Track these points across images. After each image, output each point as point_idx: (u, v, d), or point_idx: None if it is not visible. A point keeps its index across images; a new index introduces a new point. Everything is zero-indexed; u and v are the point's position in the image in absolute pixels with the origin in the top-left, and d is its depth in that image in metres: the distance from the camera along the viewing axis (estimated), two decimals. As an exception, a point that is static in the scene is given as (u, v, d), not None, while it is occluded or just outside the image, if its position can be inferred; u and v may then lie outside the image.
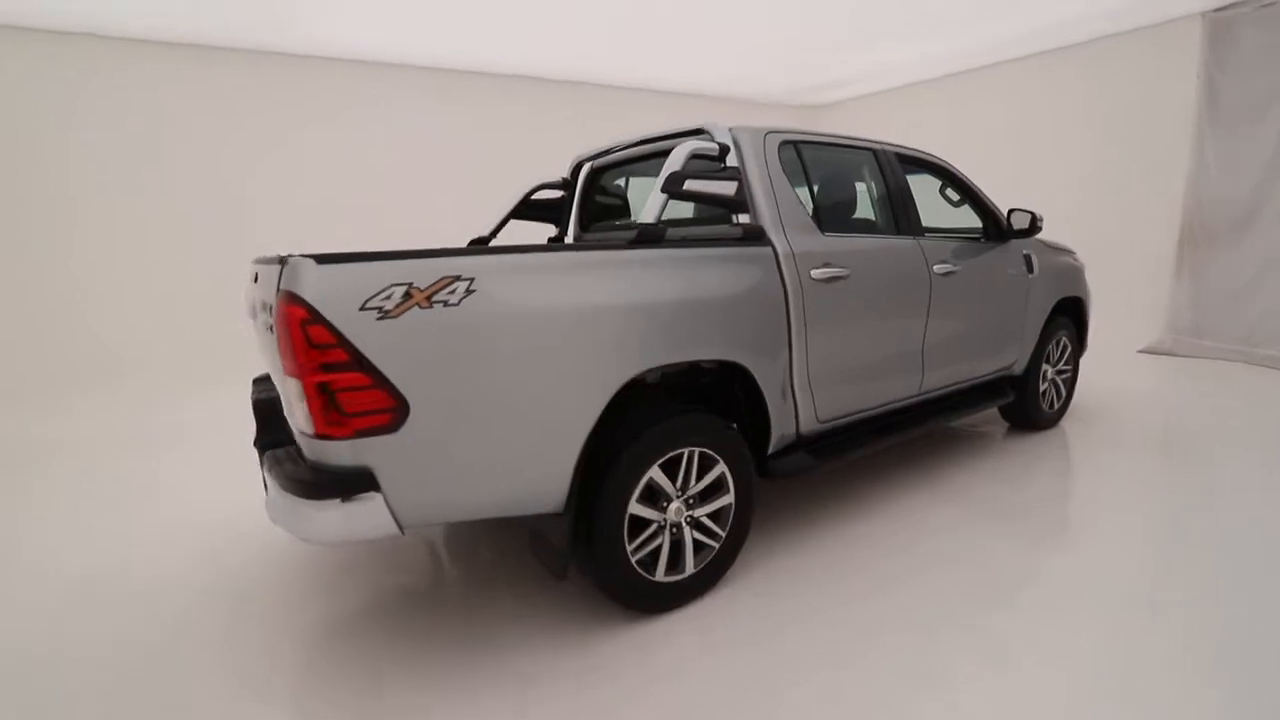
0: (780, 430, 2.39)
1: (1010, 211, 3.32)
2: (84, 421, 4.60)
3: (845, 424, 2.69)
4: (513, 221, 3.28)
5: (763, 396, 2.27)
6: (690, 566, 2.15)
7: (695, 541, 2.17)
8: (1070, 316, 3.95)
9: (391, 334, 1.53)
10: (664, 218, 2.26)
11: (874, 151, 2.89)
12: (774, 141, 2.48)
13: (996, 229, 3.35)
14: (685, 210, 2.94)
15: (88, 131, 5.63)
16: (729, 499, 2.22)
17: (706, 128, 2.42)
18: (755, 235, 2.29)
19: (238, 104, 6.24)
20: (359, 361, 1.49)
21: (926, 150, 3.22)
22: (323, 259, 1.49)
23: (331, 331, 1.46)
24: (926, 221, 3.55)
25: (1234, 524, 2.65)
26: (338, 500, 1.51)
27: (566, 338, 1.77)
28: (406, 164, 7.09)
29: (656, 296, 1.95)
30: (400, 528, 1.61)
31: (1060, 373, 3.91)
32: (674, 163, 2.15)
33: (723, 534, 2.22)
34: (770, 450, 2.40)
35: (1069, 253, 3.99)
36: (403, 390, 1.54)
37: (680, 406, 2.11)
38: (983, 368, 3.32)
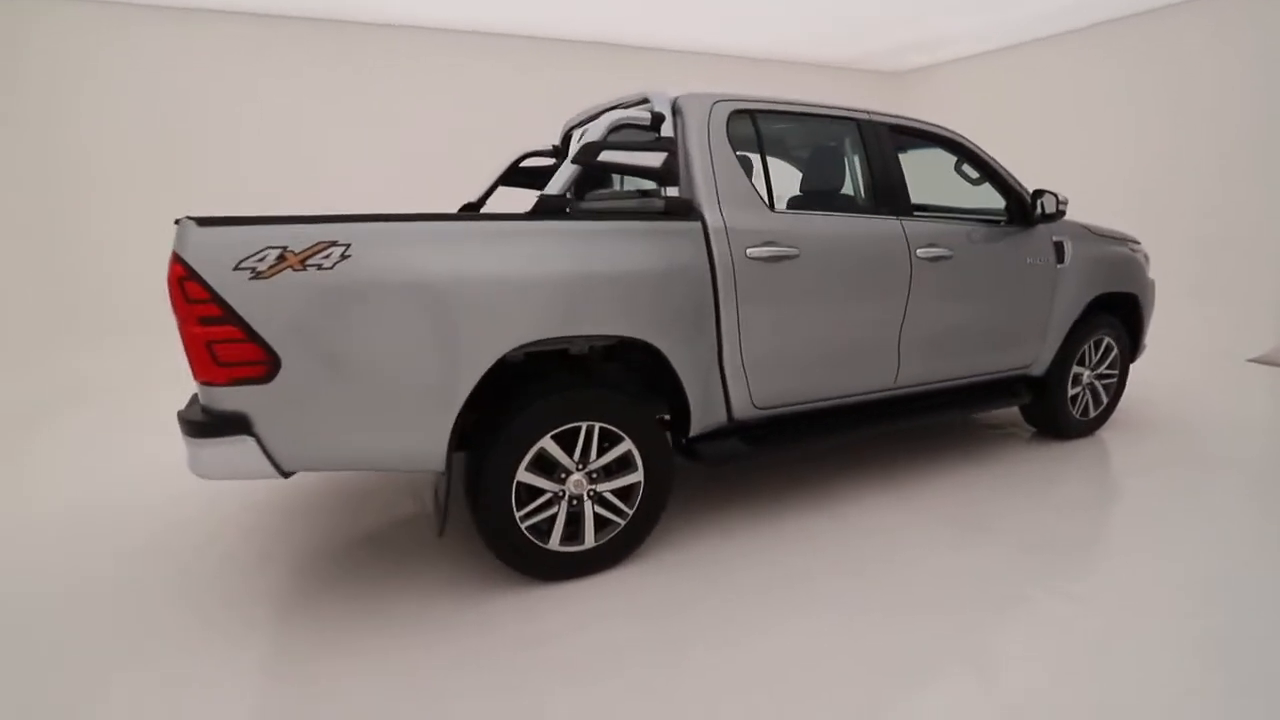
0: (704, 413, 2.32)
1: (1036, 193, 2.94)
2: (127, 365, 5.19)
3: (794, 413, 2.56)
4: (504, 188, 3.35)
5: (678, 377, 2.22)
6: (590, 539, 2.18)
7: (598, 516, 2.19)
8: (1121, 315, 3.46)
9: (264, 293, 1.66)
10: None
11: (857, 123, 2.65)
12: (723, 111, 2.35)
13: (1020, 212, 2.98)
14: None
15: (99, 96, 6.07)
16: (637, 477, 2.21)
17: (648, 95, 2.34)
18: (680, 210, 2.20)
19: (268, 67, 6.59)
20: (232, 316, 1.64)
21: (940, 124, 2.91)
22: (204, 221, 1.65)
23: (205, 288, 1.61)
24: (948, 202, 3.25)
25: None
26: (216, 440, 1.70)
27: (442, 306, 1.83)
28: (442, 128, 7.20)
29: (546, 269, 1.95)
30: (280, 471, 1.77)
31: (1102, 378, 3.45)
32: (593, 133, 2.11)
33: (629, 511, 2.23)
34: (693, 433, 2.35)
35: (1126, 242, 3.47)
36: (274, 345, 1.68)
37: (576, 380, 2.12)
38: (986, 364, 3.01)
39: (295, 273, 1.69)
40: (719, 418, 2.39)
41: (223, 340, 1.64)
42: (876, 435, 3.34)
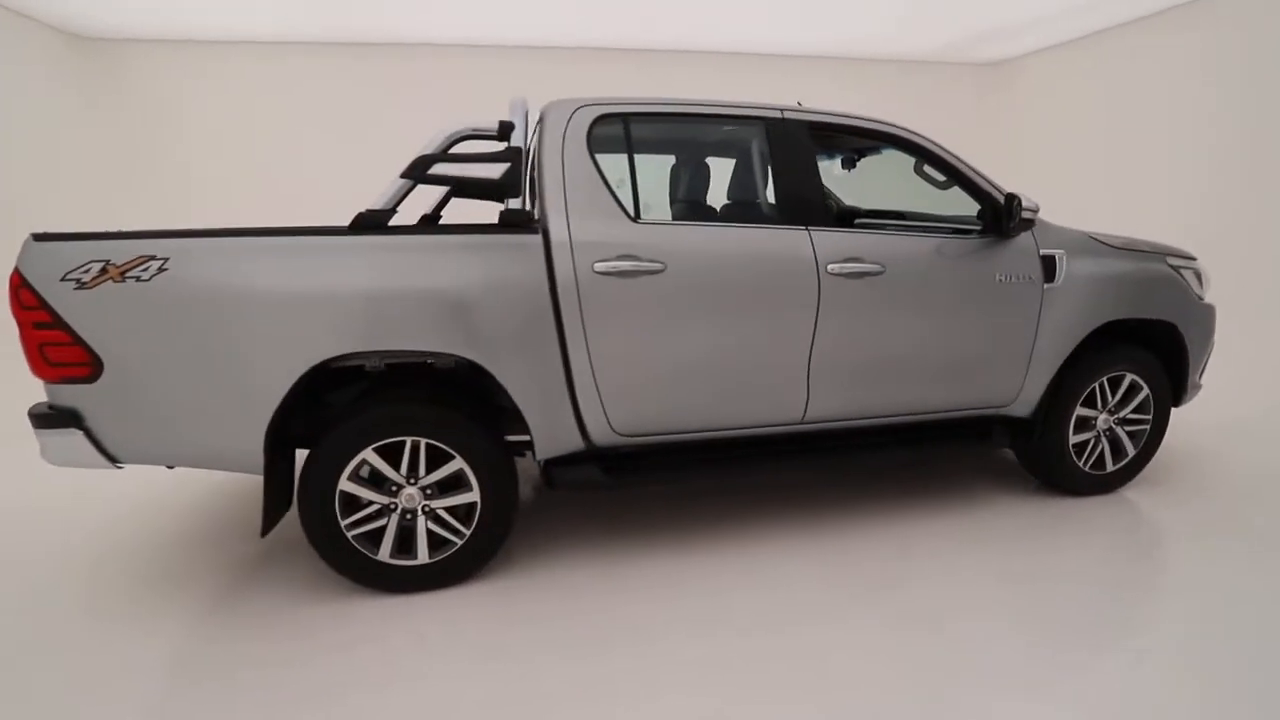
0: (552, 437, 2.21)
1: (1009, 198, 2.44)
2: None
3: (673, 443, 2.35)
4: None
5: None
6: (424, 555, 2.16)
7: (436, 533, 2.17)
8: (1154, 348, 2.78)
9: (87, 302, 1.84)
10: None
11: (765, 122, 2.37)
12: (586, 116, 2.22)
13: (994, 220, 2.50)
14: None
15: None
16: (473, 496, 2.16)
17: (511, 103, 2.27)
18: (518, 222, 2.11)
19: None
20: (59, 322, 1.83)
21: (890, 121, 2.52)
22: (40, 237, 1.85)
23: (36, 296, 1.82)
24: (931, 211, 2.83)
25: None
26: (53, 431, 1.91)
27: (252, 318, 1.91)
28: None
29: (350, 284, 1.96)
30: (113, 461, 1.96)
31: (1126, 424, 2.79)
32: (429, 144, 2.08)
33: (466, 531, 2.18)
34: (541, 457, 2.24)
35: (1163, 257, 2.77)
36: (97, 349, 1.85)
37: (401, 395, 2.11)
38: (942, 400, 2.56)
39: (115, 284, 1.85)
40: (574, 442, 2.26)
41: (52, 344, 1.84)
42: (784, 475, 3.05)
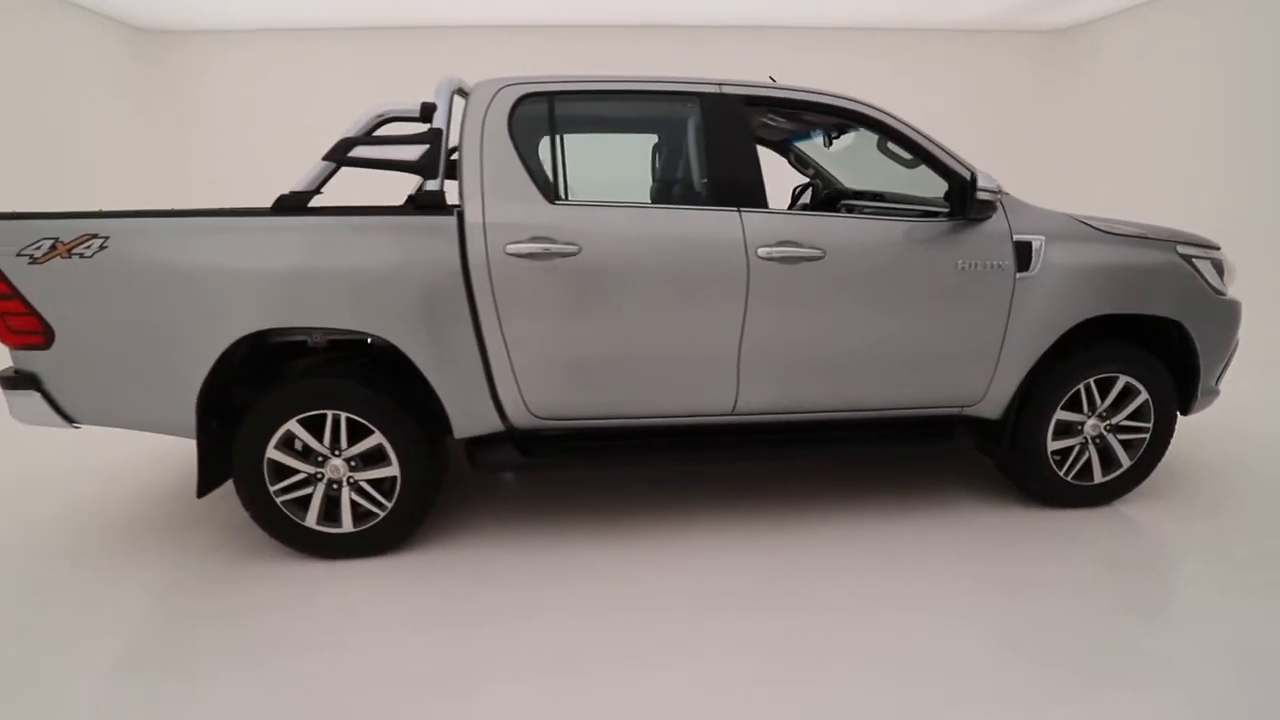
0: (469, 417, 2.24)
1: (965, 178, 2.22)
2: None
3: (595, 428, 2.33)
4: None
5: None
6: (349, 524, 2.26)
7: (357, 503, 2.25)
8: (1158, 346, 2.46)
9: (39, 275, 2.02)
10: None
11: (701, 98, 2.26)
12: (510, 96, 2.19)
13: (961, 202, 2.29)
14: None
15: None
16: (393, 470, 2.23)
17: (437, 84, 2.27)
18: (432, 204, 2.12)
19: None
20: (15, 294, 2.03)
21: (847, 95, 2.34)
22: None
23: (-1, 276, 2.03)
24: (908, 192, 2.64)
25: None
26: (16, 392, 2.12)
27: (179, 293, 2.03)
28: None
29: (271, 263, 2.05)
30: (70, 421, 2.16)
31: (1119, 430, 2.50)
32: (353, 126, 2.13)
33: (388, 504, 2.25)
34: (458, 435, 2.27)
35: (1171, 245, 2.45)
36: (49, 319, 2.04)
37: (321, 369, 2.20)
38: (893, 396, 2.39)
39: (63, 260, 2.02)
40: (493, 423, 2.28)
41: (11, 313, 2.04)
42: (711, 467, 2.93)
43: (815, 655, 1.81)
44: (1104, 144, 6.74)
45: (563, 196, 2.21)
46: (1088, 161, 7.11)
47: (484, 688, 1.72)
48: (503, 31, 7.47)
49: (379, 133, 2.31)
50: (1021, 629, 1.90)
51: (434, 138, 2.14)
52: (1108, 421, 2.51)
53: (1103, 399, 2.48)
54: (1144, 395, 2.48)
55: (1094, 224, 2.40)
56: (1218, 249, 2.56)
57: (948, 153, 2.33)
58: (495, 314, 2.15)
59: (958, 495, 2.72)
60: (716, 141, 2.25)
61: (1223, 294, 2.51)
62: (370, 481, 2.25)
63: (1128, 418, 2.51)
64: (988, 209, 2.20)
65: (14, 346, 2.09)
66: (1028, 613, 1.98)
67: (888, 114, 2.34)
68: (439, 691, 1.70)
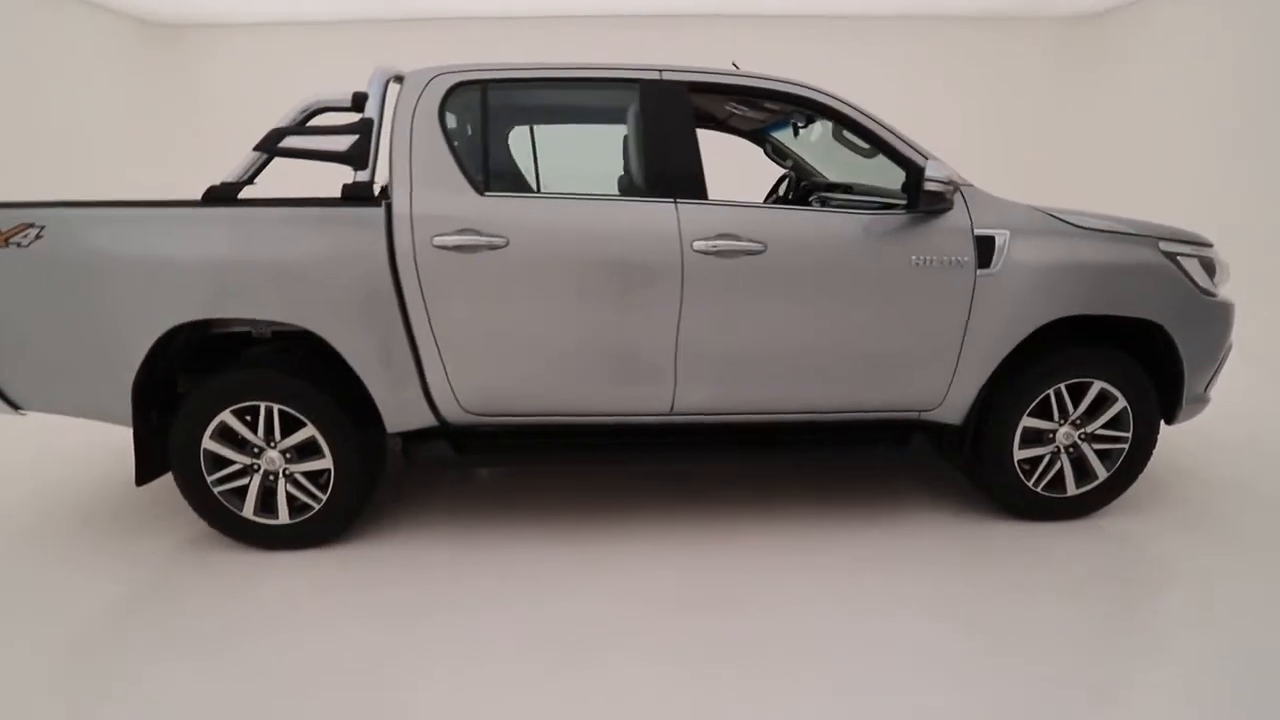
0: (401, 411, 2.21)
1: (916, 169, 2.08)
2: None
3: (532, 425, 2.27)
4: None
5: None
6: (285, 516, 2.26)
7: (293, 495, 2.25)
8: (1136, 352, 2.29)
9: (-15, 264, 2.07)
10: None
11: (640, 85, 2.17)
12: (441, 85, 2.14)
13: (916, 193, 2.15)
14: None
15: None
16: (326, 463, 2.21)
17: (372, 74, 2.23)
18: (360, 195, 2.09)
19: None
20: (-40, 282, 2.08)
21: (797, 80, 2.21)
22: None
23: (-71, 261, 2.07)
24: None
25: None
26: (-36, 377, 2.18)
27: (113, 282, 2.04)
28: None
29: (198, 253, 2.04)
30: (14, 407, 2.20)
31: (1095, 440, 2.33)
32: (285, 117, 2.11)
33: (322, 496, 2.24)
34: (391, 430, 2.24)
35: (1157, 241, 2.27)
36: (-9, 307, 2.09)
37: (260, 361, 2.19)
38: (844, 398, 2.27)
39: (2, 249, 2.06)
40: (426, 418, 2.24)
41: (-47, 301, 2.10)
42: (650, 466, 2.82)
43: (739, 657, 1.74)
44: (1129, 134, 6.35)
45: (493, 188, 2.15)
46: (1112, 153, 6.73)
47: (421, 682, 1.69)
48: (511, 23, 7.43)
49: (314, 123, 2.29)
50: (964, 652, 1.79)
51: (364, 128, 2.11)
52: (1082, 430, 2.34)
53: (1076, 405, 2.32)
54: (1121, 402, 2.31)
55: (1066, 218, 2.23)
56: (1209, 246, 2.36)
57: (906, 142, 2.19)
58: (424, 307, 2.10)
59: (926, 502, 2.59)
60: (655, 130, 2.15)
61: (1212, 295, 2.32)
62: (306, 474, 2.24)
63: (1104, 426, 2.34)
64: (938, 201, 2.06)
65: (-45, 333, 2.15)
66: (975, 634, 1.86)
67: (841, 100, 2.21)
68: (377, 683, 1.68)
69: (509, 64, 2.18)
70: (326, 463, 2.22)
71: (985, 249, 2.17)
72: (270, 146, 2.12)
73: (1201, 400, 2.40)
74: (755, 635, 1.85)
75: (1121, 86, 6.54)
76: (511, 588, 2.09)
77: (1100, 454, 2.39)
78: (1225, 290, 2.40)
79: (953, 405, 2.29)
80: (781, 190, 3.42)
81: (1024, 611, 1.94)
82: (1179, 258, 2.26)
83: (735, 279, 2.13)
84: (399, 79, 2.21)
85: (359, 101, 2.15)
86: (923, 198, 2.03)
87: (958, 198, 2.18)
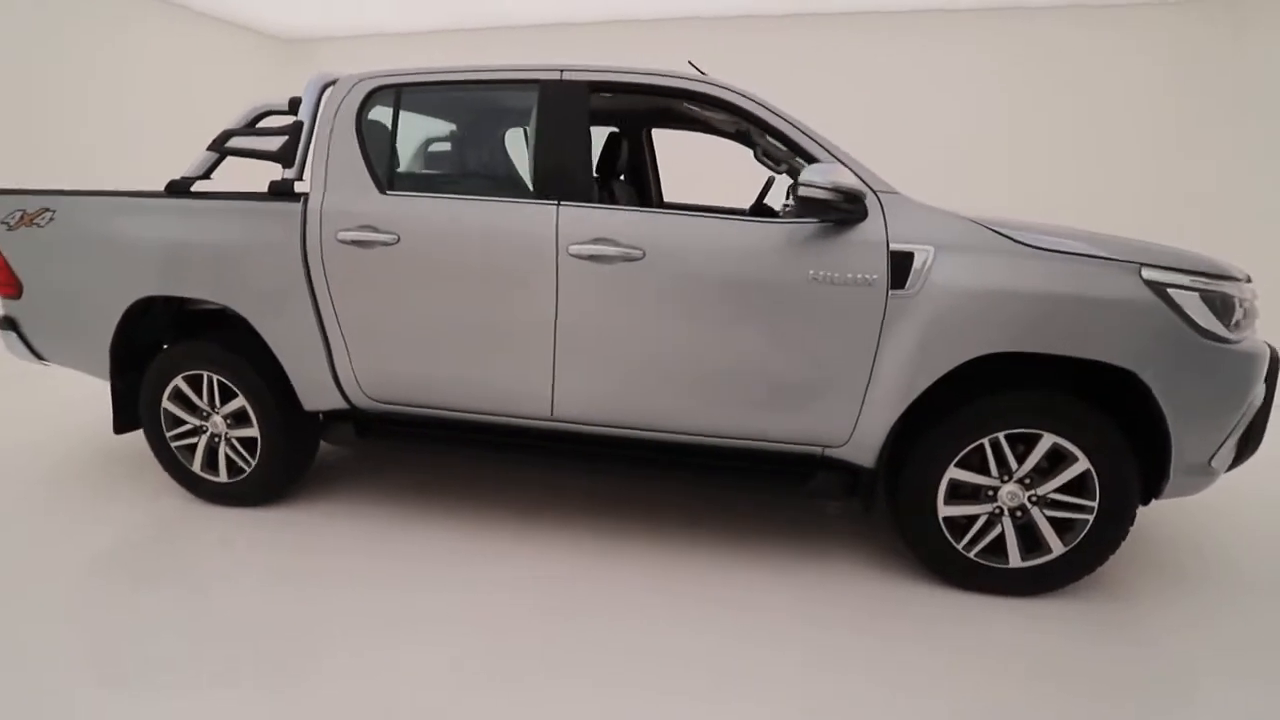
0: (311, 392, 2.37)
1: (793, 171, 1.83)
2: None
3: (427, 417, 2.34)
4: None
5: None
6: (224, 474, 2.52)
7: (230, 458, 2.50)
8: (1119, 402, 1.86)
9: (12, 239, 2.50)
10: None
11: (540, 85, 2.12)
12: (362, 89, 2.25)
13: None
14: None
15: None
16: (254, 432, 2.44)
17: (308, 80, 2.39)
18: (282, 191, 2.25)
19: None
20: (2, 254, 2.55)
21: (701, 77, 2.05)
22: (3, 192, 2.56)
23: (-14, 239, 2.55)
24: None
25: None
26: (3, 331, 2.65)
27: (99, 259, 2.40)
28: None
29: (155, 237, 2.33)
30: (40, 358, 2.66)
31: (1048, 505, 1.92)
32: (237, 119, 2.34)
33: (252, 461, 2.47)
34: (306, 408, 2.41)
35: (1140, 267, 1.82)
36: (19, 275, 2.52)
37: (202, 334, 2.45)
38: (731, 425, 2.08)
39: (27, 228, 2.50)
40: (335, 400, 2.38)
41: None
42: (531, 469, 2.78)
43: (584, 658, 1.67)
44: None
45: (397, 187, 2.23)
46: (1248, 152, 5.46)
47: (330, 647, 1.79)
48: (620, 26, 7.57)
49: (263, 124, 2.52)
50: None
51: (294, 130, 2.28)
52: (1032, 491, 1.94)
53: (1018, 461, 1.93)
54: (1082, 463, 1.88)
55: (1014, 234, 1.85)
56: (1229, 279, 1.83)
57: (817, 142, 1.95)
58: (329, 296, 2.24)
59: (861, 548, 2.30)
60: (549, 130, 2.11)
61: (1223, 339, 1.80)
62: (241, 440, 2.49)
63: (1061, 491, 1.92)
64: (816, 209, 1.81)
65: (2, 296, 2.64)
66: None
67: (750, 98, 2.01)
68: (283, 642, 1.80)
69: (423, 68, 2.25)
70: (254, 431, 2.45)
71: (901, 267, 1.87)
72: (219, 145, 2.38)
73: (1203, 473, 1.88)
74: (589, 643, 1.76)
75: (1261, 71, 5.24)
76: (400, 568, 2.16)
77: (1061, 523, 1.97)
78: (1256, 334, 1.87)
79: (860, 444, 2.00)
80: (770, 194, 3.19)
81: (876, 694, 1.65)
82: (1170, 289, 1.79)
83: (611, 285, 2.02)
84: (333, 84, 2.37)
85: (294, 105, 2.34)
86: (799, 204, 1.79)
87: (874, 206, 1.91)
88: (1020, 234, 1.86)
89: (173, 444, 2.54)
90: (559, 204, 2.07)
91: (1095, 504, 1.90)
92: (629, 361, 2.08)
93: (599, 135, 2.97)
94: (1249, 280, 1.98)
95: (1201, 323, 1.78)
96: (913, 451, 1.97)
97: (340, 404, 2.40)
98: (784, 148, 2.04)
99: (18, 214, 2.50)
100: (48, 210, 2.47)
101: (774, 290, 1.94)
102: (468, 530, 2.40)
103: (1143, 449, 1.89)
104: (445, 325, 2.18)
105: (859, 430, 1.99)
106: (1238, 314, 1.83)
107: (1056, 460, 1.93)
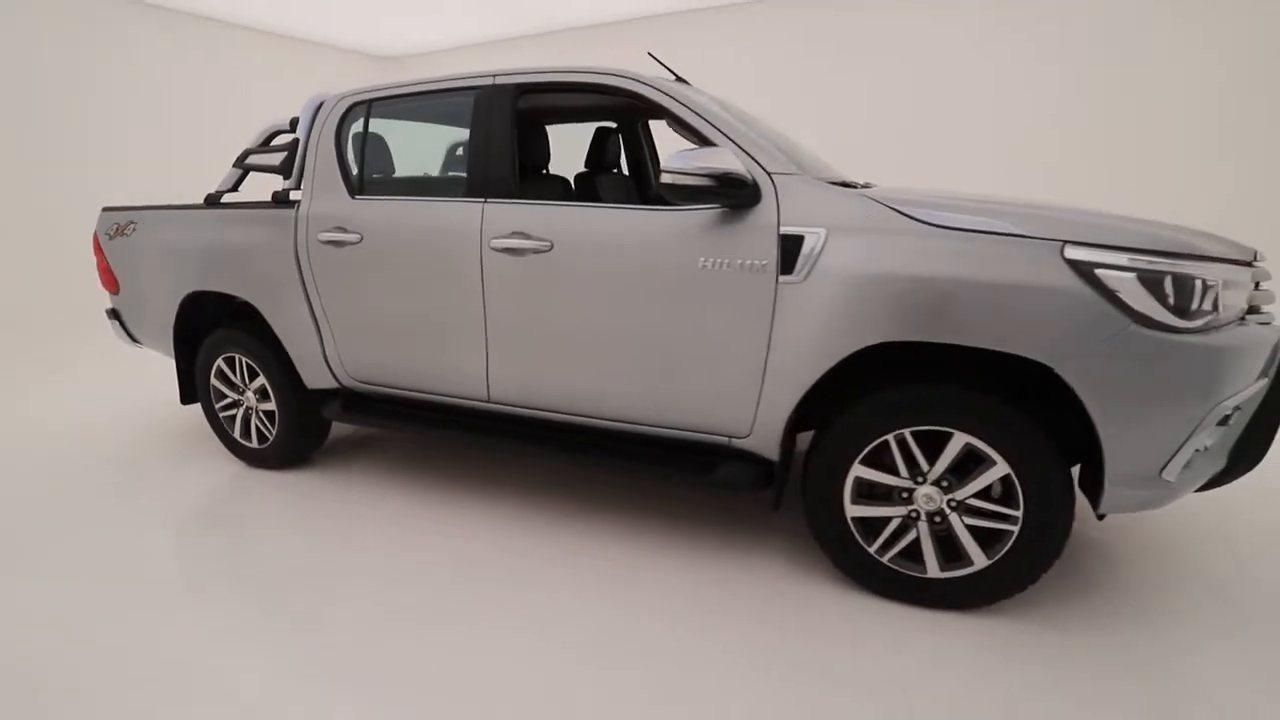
0: (310, 371, 2.72)
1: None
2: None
3: (395, 396, 2.60)
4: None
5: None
6: (255, 441, 2.99)
7: (259, 428, 2.96)
8: (1046, 398, 1.65)
9: (113, 246, 3.14)
10: None
11: (475, 91, 2.27)
12: (342, 106, 2.54)
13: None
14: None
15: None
16: (271, 406, 2.86)
17: (306, 101, 2.71)
18: (281, 199, 2.61)
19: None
20: (104, 258, 3.19)
21: (617, 70, 2.08)
22: (106, 209, 3.20)
23: (98, 244, 3.20)
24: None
25: None
26: (110, 321, 3.33)
27: (161, 260, 2.94)
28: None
29: (197, 242, 2.80)
30: (135, 341, 3.31)
31: (965, 512, 1.75)
32: (253, 139, 2.74)
33: (273, 430, 2.91)
34: (310, 387, 2.77)
35: (1064, 246, 1.58)
36: (117, 274, 3.16)
37: (230, 324, 2.90)
38: (639, 411, 2.11)
39: (122, 237, 3.12)
40: (328, 380, 2.72)
41: (103, 270, 3.24)
42: (476, 449, 2.97)
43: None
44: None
45: (365, 192, 2.50)
46: None
47: (334, 595, 2.05)
48: (718, 12, 7.57)
49: (276, 142, 2.93)
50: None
51: (291, 146, 2.65)
52: (951, 496, 1.76)
53: (930, 462, 1.75)
54: (1001, 467, 1.67)
55: (917, 214, 1.68)
56: (1188, 256, 1.52)
57: (713, 125, 1.91)
58: (316, 289, 2.58)
59: (767, 548, 2.22)
60: (481, 133, 2.25)
61: (1168, 327, 1.50)
62: (265, 413, 2.94)
63: (982, 498, 1.73)
64: (677, 195, 1.77)
65: (109, 291, 3.32)
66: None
67: (651, 85, 2.01)
68: (298, 586, 2.13)
69: (390, 83, 2.50)
70: (273, 405, 2.88)
71: (791, 251, 1.78)
72: (241, 162, 2.81)
73: (1153, 486, 1.58)
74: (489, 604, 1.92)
75: None
76: (341, 526, 2.45)
77: (986, 534, 1.77)
78: (1232, 324, 1.53)
79: (763, 436, 1.93)
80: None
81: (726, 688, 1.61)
82: (1098, 270, 1.53)
83: (525, 276, 2.13)
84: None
85: (294, 124, 2.70)
86: (662, 191, 1.77)
87: (768, 189, 1.83)
88: (926, 212, 1.69)
89: (220, 415, 3.06)
90: (485, 201, 2.22)
91: (1020, 514, 1.69)
92: (546, 349, 2.18)
93: (585, 132, 3.11)
94: (1252, 261, 1.64)
95: (1139, 308, 1.51)
96: (820, 445, 1.88)
97: (332, 383, 2.75)
98: (687, 133, 2.01)
99: (115, 226, 3.15)
100: (133, 222, 3.08)
101: (667, 279, 1.93)
102: (433, 501, 2.64)
103: (1089, 455, 1.65)
104: (396, 313, 2.42)
105: (759, 422, 1.92)
106: (1199, 299, 1.53)
107: (973, 462, 1.74)
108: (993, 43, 6.43)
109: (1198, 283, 1.53)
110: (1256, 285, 1.70)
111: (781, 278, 1.79)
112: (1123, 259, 1.54)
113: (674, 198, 1.79)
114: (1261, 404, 1.67)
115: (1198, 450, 1.61)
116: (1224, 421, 1.61)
